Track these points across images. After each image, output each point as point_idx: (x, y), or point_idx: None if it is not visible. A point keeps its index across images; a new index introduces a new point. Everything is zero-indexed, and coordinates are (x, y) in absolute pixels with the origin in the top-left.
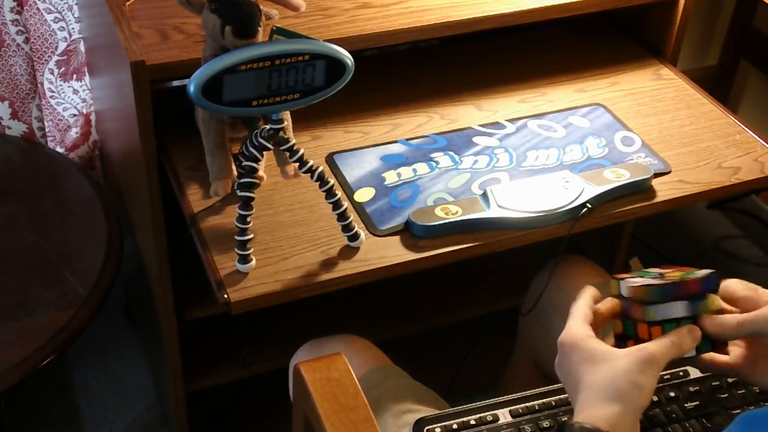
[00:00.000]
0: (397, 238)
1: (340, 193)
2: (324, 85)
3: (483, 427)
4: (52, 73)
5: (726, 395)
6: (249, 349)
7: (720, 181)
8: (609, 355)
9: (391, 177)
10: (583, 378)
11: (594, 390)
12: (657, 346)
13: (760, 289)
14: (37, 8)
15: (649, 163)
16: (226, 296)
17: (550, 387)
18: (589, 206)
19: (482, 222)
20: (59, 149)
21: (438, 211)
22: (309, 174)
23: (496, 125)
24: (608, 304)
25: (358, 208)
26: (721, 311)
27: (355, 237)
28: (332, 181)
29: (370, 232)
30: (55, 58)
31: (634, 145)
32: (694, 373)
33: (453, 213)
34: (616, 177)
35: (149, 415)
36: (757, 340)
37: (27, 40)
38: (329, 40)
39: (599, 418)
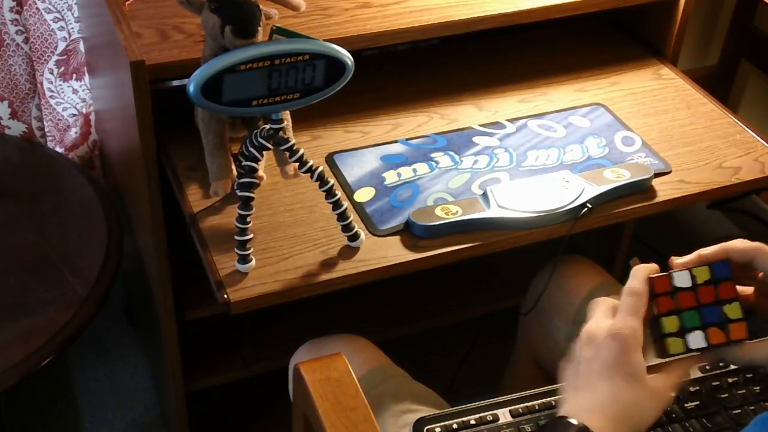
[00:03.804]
0: (397, 238)
1: (340, 193)
2: (324, 85)
3: (483, 427)
4: (51, 72)
5: (726, 395)
6: (249, 349)
7: (720, 181)
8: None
9: (391, 177)
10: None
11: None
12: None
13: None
14: (37, 8)
15: (650, 163)
16: (225, 296)
17: (550, 387)
18: (589, 206)
19: (482, 222)
20: (59, 149)
21: (438, 211)
22: (309, 174)
23: (496, 125)
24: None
25: (358, 208)
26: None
27: (355, 237)
28: (332, 181)
29: (370, 232)
30: (55, 57)
31: (634, 145)
32: (694, 373)
33: (453, 213)
34: (617, 177)
35: (149, 415)
36: None
37: (26, 40)
38: (329, 40)
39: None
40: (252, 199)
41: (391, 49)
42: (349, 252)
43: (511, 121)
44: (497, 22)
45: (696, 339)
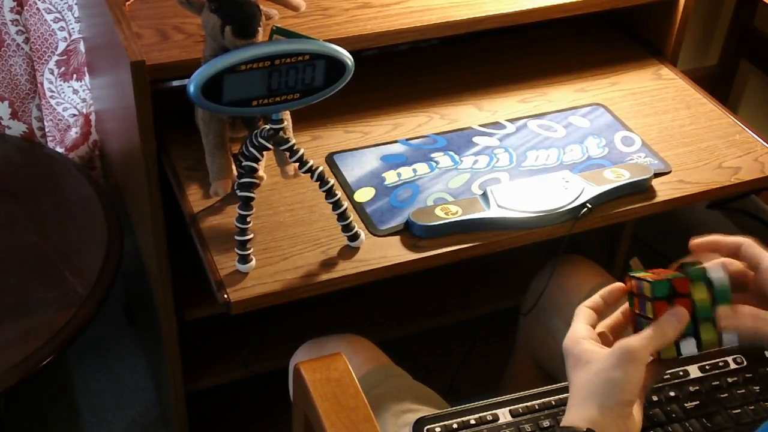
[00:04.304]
0: (397, 238)
1: (340, 193)
2: (324, 85)
3: (483, 427)
4: (52, 73)
5: (726, 395)
6: (249, 349)
7: (720, 181)
8: (592, 355)
9: (391, 177)
10: (572, 381)
11: (576, 392)
12: (635, 339)
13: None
14: (37, 8)
15: (649, 163)
16: (226, 296)
17: (550, 387)
18: (589, 206)
19: (482, 222)
20: (59, 149)
21: (438, 211)
22: (309, 174)
23: (496, 125)
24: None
25: (358, 208)
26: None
27: (355, 237)
28: (332, 181)
29: (370, 232)
30: (55, 58)
31: (634, 145)
32: (694, 373)
33: (453, 213)
34: (616, 177)
35: (149, 415)
36: None
37: (27, 40)
38: (329, 40)
39: (578, 419)
40: (252, 199)
41: (392, 49)
42: (349, 252)
43: (511, 121)
44: (498, 22)
45: (688, 346)
